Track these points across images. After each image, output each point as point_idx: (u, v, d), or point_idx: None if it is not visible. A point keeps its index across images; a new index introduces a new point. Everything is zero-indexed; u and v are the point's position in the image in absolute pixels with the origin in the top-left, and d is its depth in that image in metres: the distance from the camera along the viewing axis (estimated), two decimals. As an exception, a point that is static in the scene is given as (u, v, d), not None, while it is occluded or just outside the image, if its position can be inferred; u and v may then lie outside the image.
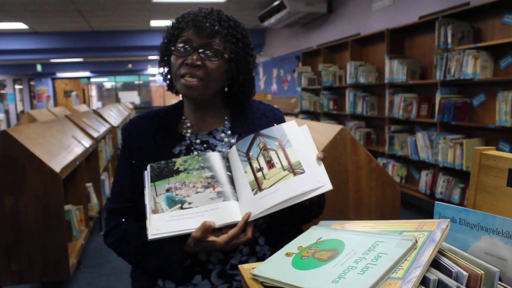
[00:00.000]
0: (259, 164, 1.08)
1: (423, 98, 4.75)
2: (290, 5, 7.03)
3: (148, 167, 1.13)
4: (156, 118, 1.25)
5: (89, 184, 4.13)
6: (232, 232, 1.01)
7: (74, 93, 17.65)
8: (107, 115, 6.90)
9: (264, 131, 1.13)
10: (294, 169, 1.03)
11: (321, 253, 0.79)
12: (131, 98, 20.56)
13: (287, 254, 0.83)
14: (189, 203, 1.05)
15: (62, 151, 3.28)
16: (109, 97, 21.52)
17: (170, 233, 1.01)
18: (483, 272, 0.67)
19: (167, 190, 1.08)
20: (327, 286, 0.68)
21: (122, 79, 21.47)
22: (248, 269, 0.83)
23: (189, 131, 1.23)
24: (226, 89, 1.24)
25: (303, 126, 1.13)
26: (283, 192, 1.00)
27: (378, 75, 5.72)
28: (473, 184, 0.96)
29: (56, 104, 19.15)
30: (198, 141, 1.21)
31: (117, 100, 19.98)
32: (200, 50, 1.12)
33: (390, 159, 5.32)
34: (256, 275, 0.79)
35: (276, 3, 7.40)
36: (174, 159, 1.13)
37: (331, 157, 2.37)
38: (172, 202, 1.06)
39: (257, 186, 1.04)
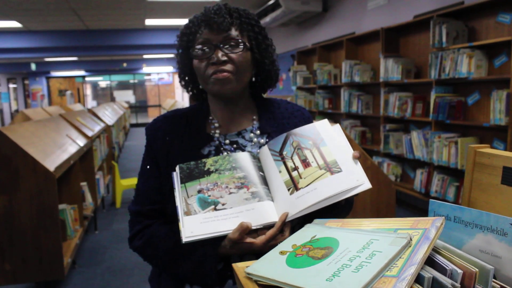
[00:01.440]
0: (293, 163, 1.05)
1: (418, 97, 4.76)
2: (285, 4, 7.03)
3: (177, 168, 1.10)
4: (183, 118, 1.22)
5: (83, 183, 4.12)
6: (270, 232, 0.98)
7: (68, 92, 17.59)
8: (102, 114, 6.88)
9: (297, 130, 1.11)
10: (330, 168, 1.01)
11: (315, 251, 0.78)
12: (126, 97, 20.52)
13: (281, 253, 0.82)
14: (223, 204, 1.02)
15: (56, 150, 3.26)
16: (104, 96, 21.47)
17: (206, 235, 0.98)
18: (477, 269, 0.67)
19: (199, 191, 1.05)
20: (321, 284, 0.67)
21: (117, 78, 21.42)
22: (242, 267, 0.82)
23: (217, 131, 1.20)
24: (253, 78, 1.21)
25: (336, 126, 1.11)
26: (321, 191, 0.98)
27: (373, 74, 5.74)
28: (467, 182, 0.96)
29: (50, 103, 19.08)
30: (227, 141, 1.19)
31: (112, 99, 19.92)
32: (222, 46, 1.11)
33: (385, 157, 5.33)
34: (250, 274, 0.78)
35: (271, 2, 7.40)
36: (204, 160, 1.11)
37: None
38: (204, 204, 1.03)
39: (293, 185, 1.02)
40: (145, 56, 16.20)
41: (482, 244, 0.77)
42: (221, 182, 1.06)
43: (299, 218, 1.02)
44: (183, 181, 1.07)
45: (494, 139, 3.95)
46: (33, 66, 15.86)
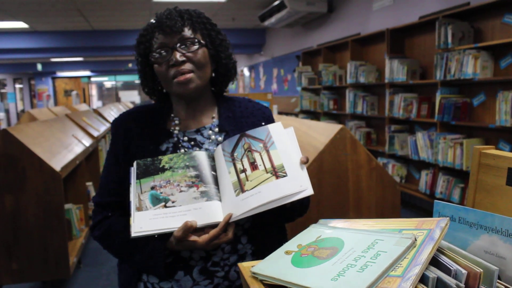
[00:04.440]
0: (242, 165, 1.08)
1: (423, 98, 4.75)
2: (290, 4, 7.02)
3: (135, 163, 1.13)
4: (145, 114, 1.26)
5: (89, 183, 4.14)
6: (213, 232, 1.02)
7: (74, 92, 17.65)
8: (107, 114, 6.91)
9: (250, 132, 1.13)
10: (276, 172, 1.03)
11: (321, 251, 0.79)
12: (131, 97, 20.56)
13: (287, 252, 0.83)
14: (173, 202, 1.05)
15: (62, 150, 3.28)
16: (110, 96, 21.52)
17: (153, 232, 1.02)
18: (482, 270, 0.67)
19: (152, 188, 1.08)
20: (326, 284, 0.68)
21: (122, 78, 21.46)
22: (247, 267, 0.83)
23: (177, 128, 1.24)
24: (213, 74, 1.25)
25: (289, 128, 1.13)
26: (265, 194, 1.00)
27: (378, 75, 5.73)
28: (472, 183, 0.96)
29: (56, 103, 19.15)
30: (185, 138, 1.22)
31: (117, 100, 19.98)
32: (178, 47, 1.14)
33: (390, 158, 5.32)
34: (255, 273, 0.79)
35: (276, 2, 7.40)
36: (160, 157, 1.14)
37: (331, 157, 2.38)
38: (156, 200, 1.06)
39: (240, 187, 1.04)
40: (150, 57, 16.20)
41: (486, 245, 0.77)
42: (173, 180, 1.09)
43: (249, 217, 1.06)
44: (139, 177, 1.11)
45: (500, 140, 3.93)
46: (39, 67, 15.92)
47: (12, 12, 8.12)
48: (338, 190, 2.40)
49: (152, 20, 1.19)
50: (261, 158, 1.07)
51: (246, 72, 13.42)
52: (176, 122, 1.25)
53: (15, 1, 7.27)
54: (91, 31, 10.54)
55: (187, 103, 1.24)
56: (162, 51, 1.15)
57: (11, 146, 2.70)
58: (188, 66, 1.14)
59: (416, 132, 4.78)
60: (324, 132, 2.50)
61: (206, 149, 1.20)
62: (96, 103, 20.57)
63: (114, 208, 1.21)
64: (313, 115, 7.59)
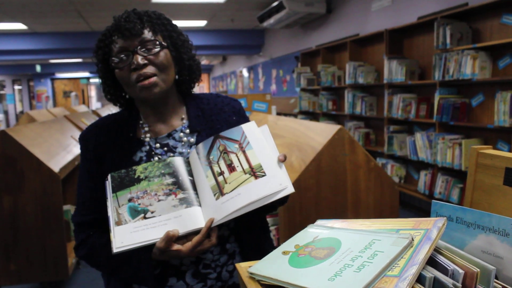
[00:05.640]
0: (220, 168, 1.05)
1: (422, 98, 4.75)
2: (289, 5, 7.03)
3: (109, 177, 1.10)
4: (113, 125, 1.22)
5: (88, 184, 4.13)
6: (196, 239, 1.00)
7: (73, 94, 17.64)
8: (106, 116, 6.90)
9: (224, 133, 1.11)
10: (255, 172, 1.01)
11: (318, 251, 0.79)
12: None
13: (284, 253, 0.83)
14: (152, 212, 1.03)
15: (61, 151, 3.28)
16: (109, 97, 21.49)
17: (135, 245, 0.99)
18: (479, 270, 0.67)
19: (129, 200, 1.05)
20: (324, 284, 0.68)
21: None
22: (245, 267, 0.83)
23: (148, 135, 1.20)
24: (177, 76, 1.21)
25: (264, 127, 1.11)
26: (245, 196, 0.99)
27: (377, 76, 5.73)
28: (470, 182, 0.96)
29: (55, 104, 19.14)
30: (158, 145, 1.19)
31: (117, 101, 19.94)
32: (138, 50, 1.11)
33: (389, 159, 5.33)
34: (253, 274, 0.79)
35: (275, 3, 7.40)
36: (134, 167, 1.10)
37: (329, 157, 2.38)
38: (135, 212, 1.03)
39: (219, 190, 1.02)
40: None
41: (484, 245, 0.77)
42: (150, 190, 1.06)
43: (234, 220, 1.03)
44: (115, 190, 1.08)
45: (498, 140, 3.93)
46: (38, 68, 15.91)
47: (11, 14, 8.12)
48: (337, 191, 2.40)
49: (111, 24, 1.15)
50: (238, 159, 1.05)
51: (245, 72, 13.43)
52: (146, 129, 1.21)
53: (14, 3, 7.27)
54: (90, 32, 10.55)
55: (153, 107, 1.20)
56: (122, 55, 1.11)
57: (10, 147, 2.70)
58: (150, 69, 1.10)
59: (415, 132, 4.79)
60: (322, 132, 2.50)
61: (180, 153, 1.18)
62: (95, 104, 20.55)
63: (95, 225, 1.17)
64: (312, 115, 7.60)
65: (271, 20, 7.87)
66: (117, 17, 1.15)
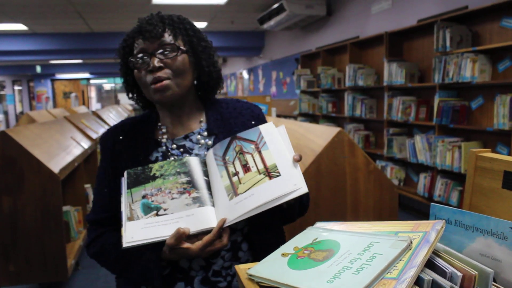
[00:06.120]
0: (235, 168, 1.06)
1: (422, 101, 4.76)
2: (289, 8, 7.04)
3: (125, 173, 1.12)
4: (132, 126, 1.24)
5: (87, 185, 4.14)
6: (206, 238, 0.99)
7: (73, 95, 17.65)
8: (106, 117, 6.91)
9: (241, 134, 1.12)
10: (269, 173, 1.01)
11: (317, 253, 0.79)
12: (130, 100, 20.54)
13: (283, 255, 0.83)
14: (165, 210, 1.03)
15: (61, 152, 3.28)
16: (109, 98, 21.53)
17: (145, 241, 0.99)
18: (477, 272, 0.68)
19: (143, 197, 1.06)
20: (323, 286, 0.68)
21: (122, 81, 21.47)
22: (244, 269, 0.83)
23: (165, 136, 1.21)
24: (195, 82, 1.22)
25: (281, 127, 1.11)
26: (258, 196, 0.98)
27: (377, 78, 5.74)
28: (468, 186, 0.97)
29: (55, 105, 19.15)
30: (174, 146, 1.20)
31: (117, 102, 19.94)
32: (157, 52, 1.12)
33: (389, 161, 5.33)
34: (252, 275, 0.79)
35: (275, 5, 7.41)
36: (150, 165, 1.12)
37: (329, 159, 2.38)
38: (147, 209, 1.04)
39: (233, 191, 1.02)
40: (149, 59, 16.19)
41: (482, 248, 0.78)
42: (165, 188, 1.07)
43: (246, 221, 1.03)
44: (130, 186, 1.09)
45: (498, 143, 3.94)
46: (38, 69, 15.92)
47: (12, 14, 8.13)
48: (336, 193, 2.41)
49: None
50: (253, 159, 1.05)
51: (245, 74, 13.44)
52: (163, 130, 1.22)
53: (14, 3, 7.28)
54: (91, 33, 10.56)
55: (170, 110, 1.22)
56: (142, 57, 1.13)
57: (10, 148, 2.70)
58: (165, 72, 1.12)
59: (414, 135, 4.79)
60: (322, 135, 2.50)
61: (197, 155, 1.18)
62: (95, 105, 20.56)
63: (108, 224, 1.18)
64: (311, 118, 7.60)
65: (271, 22, 7.88)
66: (141, 19, 1.17)
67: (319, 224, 0.95)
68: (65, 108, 9.85)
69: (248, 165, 1.05)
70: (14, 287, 3.02)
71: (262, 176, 1.01)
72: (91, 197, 4.24)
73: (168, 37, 1.14)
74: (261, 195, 0.98)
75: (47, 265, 2.81)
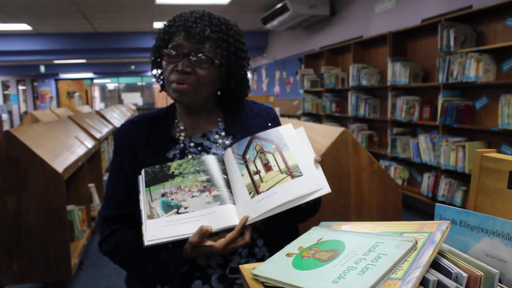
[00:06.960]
0: (256, 167, 1.06)
1: (426, 100, 4.75)
2: (293, 7, 7.04)
3: (143, 171, 1.11)
4: (149, 122, 1.23)
5: (91, 185, 4.15)
6: (229, 236, 1.00)
7: (77, 94, 17.70)
8: (110, 116, 6.92)
9: (261, 134, 1.12)
10: (291, 172, 1.02)
11: (322, 253, 0.79)
12: (134, 99, 20.60)
13: (288, 255, 0.83)
14: (185, 208, 1.03)
15: (65, 151, 3.29)
16: (112, 98, 21.57)
17: (167, 239, 0.99)
18: (482, 273, 0.67)
19: (163, 195, 1.06)
20: (327, 286, 0.68)
21: (125, 80, 21.51)
22: (248, 269, 0.83)
23: (182, 134, 1.21)
24: (218, 92, 1.22)
25: (300, 129, 1.12)
26: (281, 195, 0.99)
27: (381, 78, 5.73)
28: (474, 186, 0.96)
29: (59, 105, 19.20)
30: (192, 144, 1.19)
31: (120, 101, 20.02)
32: (190, 56, 1.10)
33: (392, 161, 5.32)
34: (256, 275, 0.79)
35: (279, 5, 7.41)
36: (169, 163, 1.11)
37: (332, 159, 2.38)
38: (168, 207, 1.04)
39: (255, 189, 1.03)
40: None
41: (487, 248, 0.77)
42: (184, 186, 1.07)
43: (263, 219, 1.03)
44: (148, 184, 1.08)
45: (502, 143, 3.92)
46: (42, 68, 15.97)
47: (16, 14, 8.15)
48: (340, 193, 2.40)
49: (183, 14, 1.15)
50: (275, 159, 1.06)
51: (248, 74, 13.43)
52: (181, 128, 1.22)
53: (19, 4, 7.30)
54: (94, 33, 10.58)
55: (188, 110, 1.21)
56: (176, 52, 1.11)
57: (14, 147, 2.71)
58: (190, 78, 1.11)
59: (418, 135, 4.78)
60: (326, 134, 2.50)
61: (214, 154, 1.18)
62: (98, 105, 20.61)
63: (123, 221, 1.18)
64: (315, 117, 7.59)
65: (275, 22, 7.88)
66: (189, 14, 1.15)
67: (323, 224, 0.95)
68: (69, 108, 9.88)
69: (269, 164, 1.06)
70: (18, 286, 3.03)
71: (284, 175, 1.02)
72: (95, 196, 4.25)
73: (208, 46, 1.12)
74: (284, 194, 0.99)
75: (50, 264, 2.82)
